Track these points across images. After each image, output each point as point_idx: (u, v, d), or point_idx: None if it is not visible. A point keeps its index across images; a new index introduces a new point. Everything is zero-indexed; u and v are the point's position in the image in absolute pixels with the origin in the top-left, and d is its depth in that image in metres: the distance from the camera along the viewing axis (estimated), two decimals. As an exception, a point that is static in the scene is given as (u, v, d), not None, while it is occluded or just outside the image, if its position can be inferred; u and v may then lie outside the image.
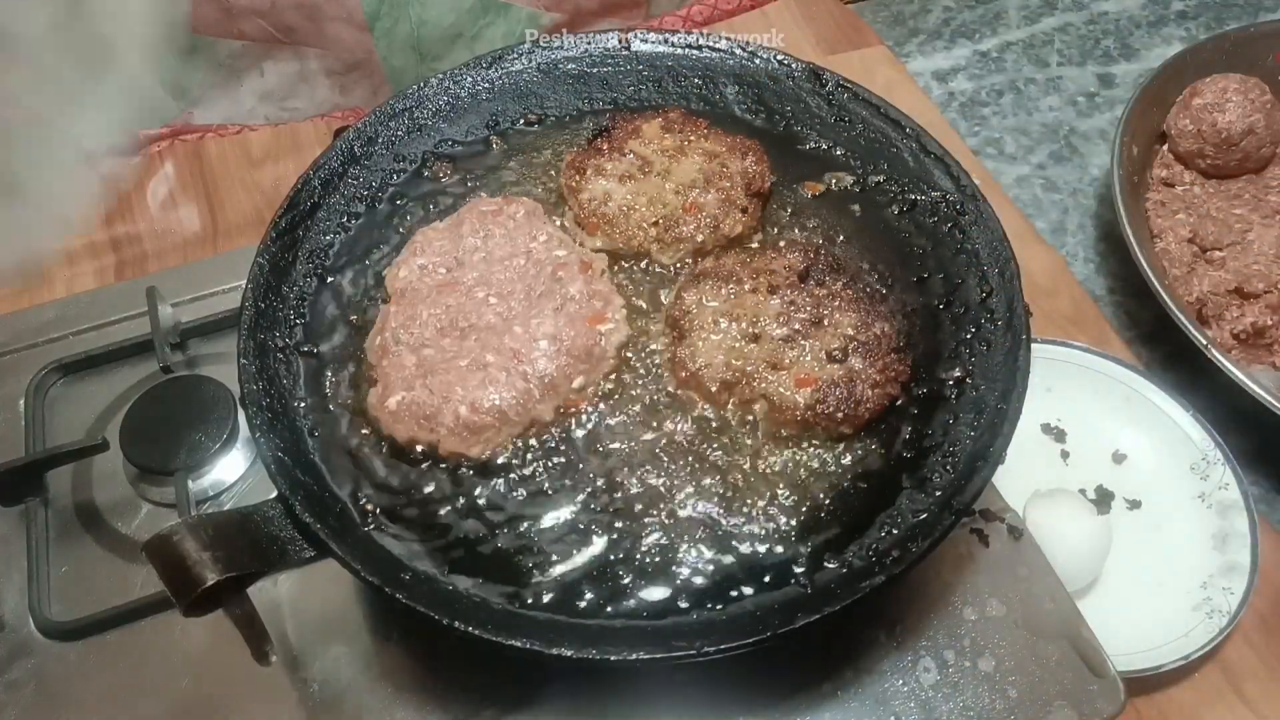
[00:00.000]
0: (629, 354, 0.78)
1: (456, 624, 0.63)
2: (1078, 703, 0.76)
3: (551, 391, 0.73)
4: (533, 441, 0.74)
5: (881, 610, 0.80)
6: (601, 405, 0.76)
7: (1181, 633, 0.95)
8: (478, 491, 0.72)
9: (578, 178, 0.87)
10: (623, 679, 0.75)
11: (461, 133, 0.93)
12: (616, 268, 0.84)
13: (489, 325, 0.76)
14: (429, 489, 0.73)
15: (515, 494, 0.72)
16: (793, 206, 0.89)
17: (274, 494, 0.69)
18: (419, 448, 0.73)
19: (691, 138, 0.89)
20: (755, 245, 0.86)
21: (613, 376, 0.77)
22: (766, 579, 0.68)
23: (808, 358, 0.76)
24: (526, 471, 0.73)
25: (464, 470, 0.73)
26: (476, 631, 0.62)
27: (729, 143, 0.89)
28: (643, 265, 0.84)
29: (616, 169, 0.87)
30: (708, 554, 0.70)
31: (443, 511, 0.72)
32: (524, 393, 0.72)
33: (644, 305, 0.82)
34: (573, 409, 0.75)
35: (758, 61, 0.96)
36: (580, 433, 0.75)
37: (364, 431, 0.75)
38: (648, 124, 0.90)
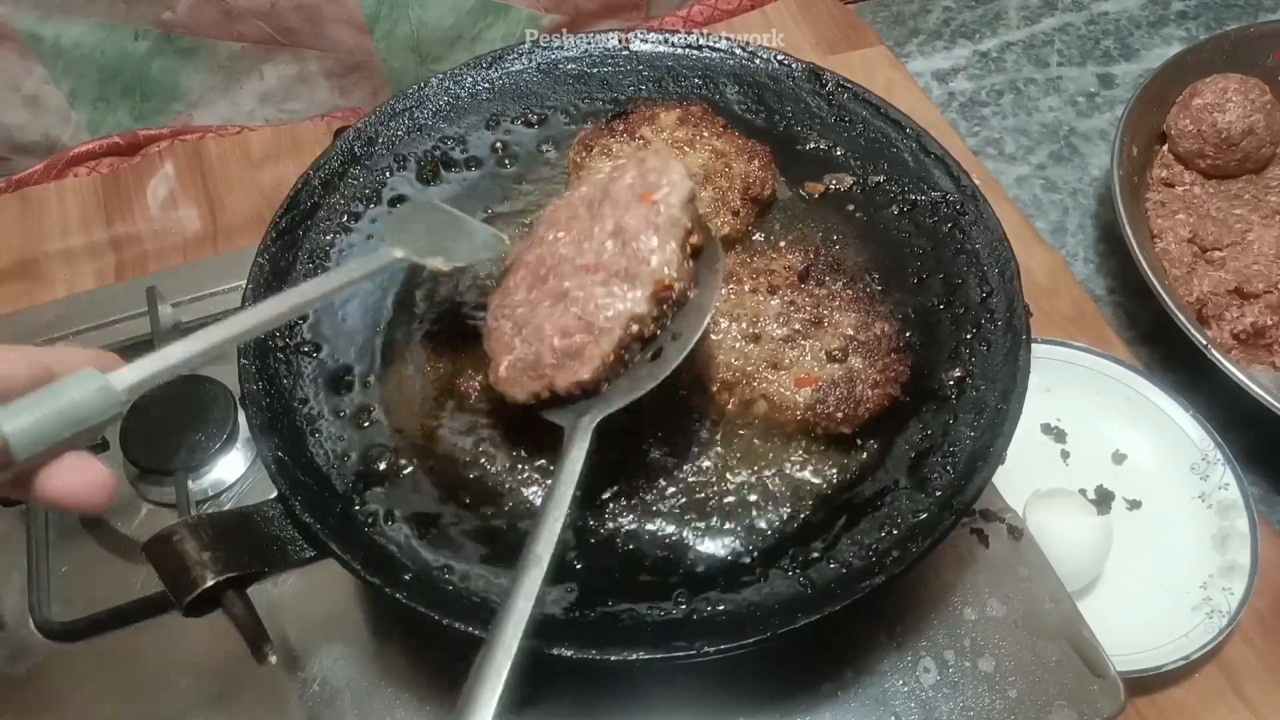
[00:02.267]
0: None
1: (456, 624, 0.63)
2: (1078, 703, 0.76)
3: (630, 282, 0.67)
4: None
5: (881, 610, 0.79)
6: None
7: (1181, 633, 0.95)
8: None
9: (584, 154, 0.87)
10: (623, 679, 0.75)
11: (462, 132, 0.93)
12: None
13: (562, 258, 0.72)
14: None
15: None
16: (792, 207, 0.89)
17: (274, 494, 0.69)
18: (545, 396, 0.68)
19: (705, 133, 0.89)
20: (740, 250, 0.85)
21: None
22: (766, 579, 0.68)
23: (808, 358, 0.76)
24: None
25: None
26: (476, 631, 0.62)
27: (739, 144, 0.88)
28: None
29: (622, 151, 0.87)
30: (707, 554, 0.70)
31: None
32: (604, 294, 0.67)
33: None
34: (666, 292, 0.67)
35: (758, 61, 0.96)
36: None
37: (368, 424, 0.75)
38: (666, 112, 0.90)
